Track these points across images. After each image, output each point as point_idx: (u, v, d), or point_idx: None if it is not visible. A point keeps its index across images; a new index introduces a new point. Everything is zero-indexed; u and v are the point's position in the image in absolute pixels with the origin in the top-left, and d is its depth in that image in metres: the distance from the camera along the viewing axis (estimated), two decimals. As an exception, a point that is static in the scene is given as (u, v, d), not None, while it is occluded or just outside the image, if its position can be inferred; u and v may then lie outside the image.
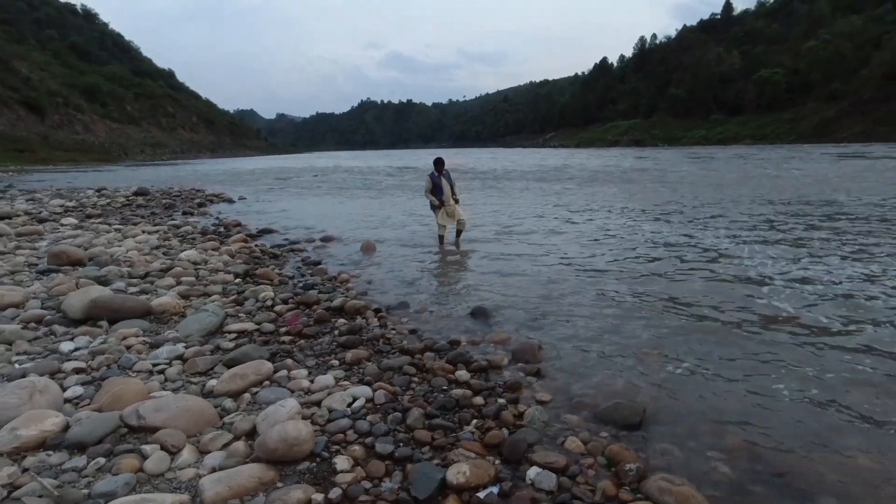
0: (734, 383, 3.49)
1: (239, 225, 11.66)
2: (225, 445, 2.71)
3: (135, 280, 5.93)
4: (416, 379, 3.62)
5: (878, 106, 74.12)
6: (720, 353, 3.99)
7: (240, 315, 4.99)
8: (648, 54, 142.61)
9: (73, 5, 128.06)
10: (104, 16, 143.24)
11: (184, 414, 2.87)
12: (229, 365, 3.72)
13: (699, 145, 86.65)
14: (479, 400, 3.28)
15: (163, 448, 2.61)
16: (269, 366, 3.60)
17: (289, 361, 3.81)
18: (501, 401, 3.27)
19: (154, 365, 3.69)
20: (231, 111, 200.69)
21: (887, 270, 6.25)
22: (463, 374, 3.63)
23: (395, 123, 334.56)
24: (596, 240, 8.78)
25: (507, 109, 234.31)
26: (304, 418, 2.95)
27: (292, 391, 3.37)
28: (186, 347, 4.03)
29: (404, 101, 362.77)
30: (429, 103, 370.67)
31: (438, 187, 8.55)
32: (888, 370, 3.59)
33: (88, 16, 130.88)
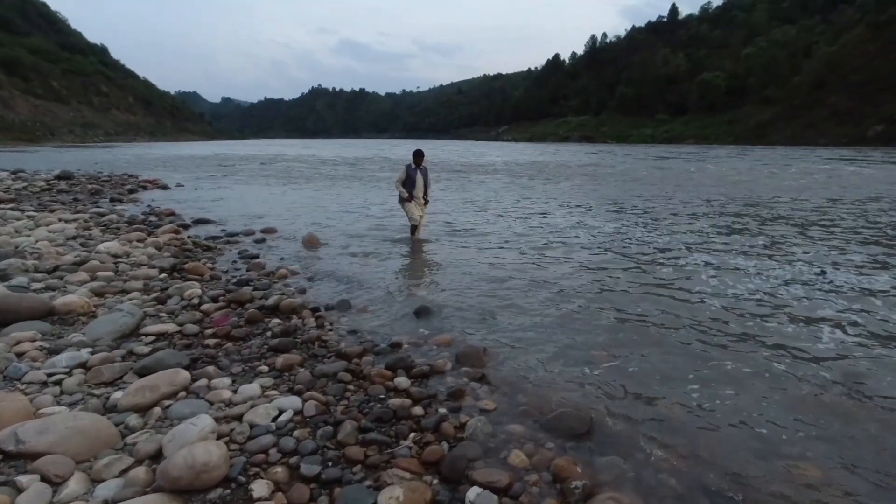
0: (682, 388, 3.42)
1: (172, 214, 10.90)
2: (123, 472, 2.35)
3: (40, 275, 5.30)
4: (351, 387, 3.34)
5: (808, 112, 79.35)
6: (668, 357, 3.94)
7: (161, 315, 4.53)
8: (599, 53, 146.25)
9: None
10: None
11: (75, 435, 2.47)
12: (141, 373, 3.32)
13: (646, 143, 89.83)
14: (418, 410, 3.05)
15: (43, 478, 2.22)
16: (185, 375, 3.22)
17: (210, 369, 3.44)
18: (443, 410, 3.06)
19: (49, 375, 3.23)
20: (172, 93, 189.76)
21: (838, 275, 6.51)
22: (402, 380, 3.39)
23: (347, 112, 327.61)
24: (549, 238, 8.68)
25: (461, 102, 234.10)
26: (220, 437, 2.63)
27: (211, 403, 3.03)
28: (92, 353, 3.57)
29: (357, 89, 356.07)
30: (382, 93, 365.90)
31: (412, 180, 8.08)
32: (834, 378, 3.61)
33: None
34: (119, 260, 6.19)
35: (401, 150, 51.43)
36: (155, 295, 5.04)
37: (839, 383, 3.50)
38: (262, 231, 9.11)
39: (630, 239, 8.51)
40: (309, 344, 4.07)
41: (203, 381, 3.27)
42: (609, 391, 3.37)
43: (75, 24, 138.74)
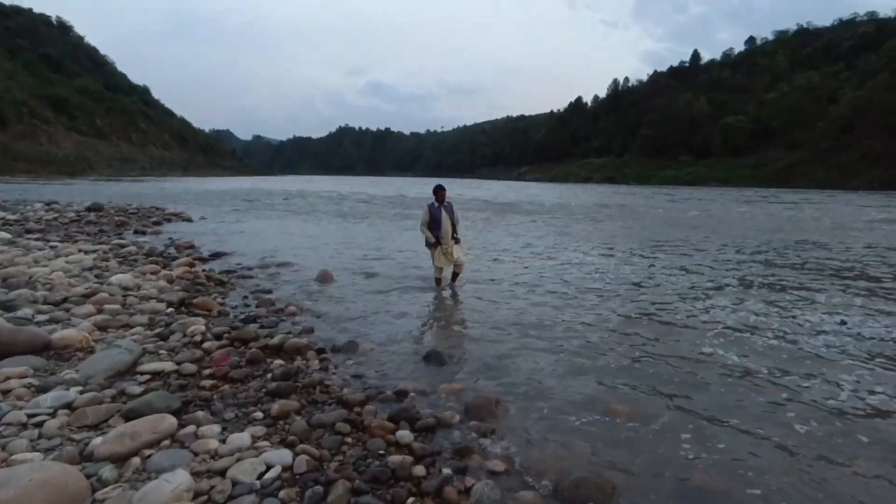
0: (713, 450, 3.06)
1: (191, 247, 10.95)
2: (86, 534, 2.11)
3: (47, 307, 5.22)
4: (349, 440, 3.07)
5: (834, 155, 78.24)
6: (696, 411, 3.58)
7: (160, 352, 4.36)
8: (621, 96, 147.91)
9: (48, 17, 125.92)
10: (80, 29, 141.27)
11: (39, 489, 2.24)
12: (128, 417, 3.12)
13: (669, 185, 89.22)
14: (419, 470, 2.76)
15: (-5, 541, 2.00)
16: (171, 421, 2.99)
17: (200, 414, 3.21)
18: (447, 471, 2.76)
19: (31, 416, 3.04)
20: (206, 130, 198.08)
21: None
22: (405, 434, 3.10)
23: (372, 150, 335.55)
24: (571, 283, 8.23)
25: (484, 142, 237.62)
26: (197, 495, 2.38)
27: (196, 454, 2.79)
28: (81, 392, 3.39)
29: (383, 128, 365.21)
30: (407, 132, 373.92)
31: (437, 221, 7.19)
32: (868, 443, 3.21)
33: (63, 27, 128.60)
34: (129, 293, 6.10)
35: (424, 188, 52.00)
36: (158, 330, 4.89)
37: (871, 446, 3.08)
38: (278, 265, 9.03)
39: (655, 284, 8.13)
40: (310, 388, 3.83)
41: (191, 428, 3.03)
42: (633, 454, 3.02)
43: (121, 66, 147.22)
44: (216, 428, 3.08)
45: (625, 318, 6.10)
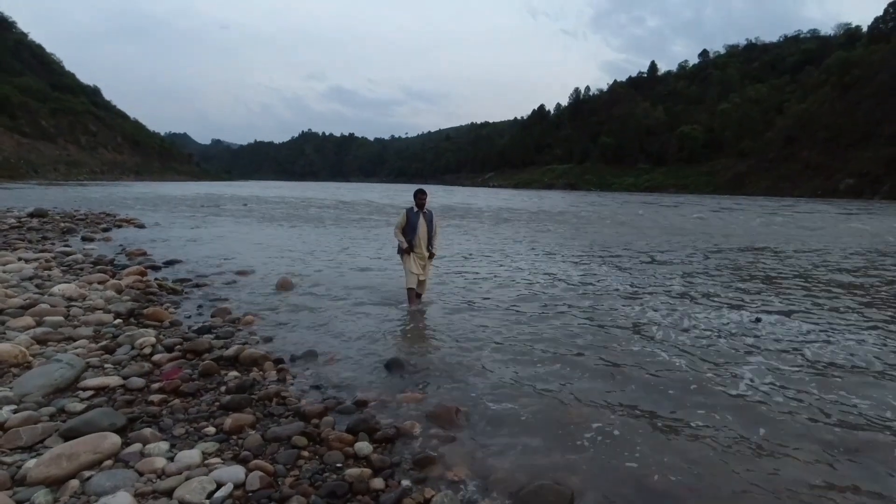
0: (669, 453, 3.12)
1: (143, 254, 10.49)
2: (14, 567, 1.96)
3: (-21, 320, 4.88)
4: (305, 453, 2.98)
5: (780, 165, 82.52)
6: (653, 415, 3.65)
7: (105, 366, 4.14)
8: (582, 104, 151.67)
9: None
10: (23, 25, 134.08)
11: (-38, 519, 2.08)
12: (67, 436, 2.94)
13: (628, 192, 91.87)
14: (378, 482, 2.70)
15: None
16: (114, 440, 2.83)
17: (147, 432, 3.05)
18: (406, 483, 2.71)
19: (-44, 439, 2.82)
20: (162, 133, 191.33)
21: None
22: (364, 446, 3.04)
23: (335, 156, 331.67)
24: (533, 289, 8.30)
25: (449, 148, 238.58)
26: (141, 518, 2.25)
27: (141, 474, 2.65)
28: (15, 411, 3.18)
29: (346, 134, 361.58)
30: (370, 138, 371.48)
31: (413, 226, 6.69)
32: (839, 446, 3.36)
33: (4, 23, 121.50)
34: (73, 304, 5.78)
35: (389, 194, 51.64)
36: (104, 343, 4.64)
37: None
38: (235, 273, 8.75)
39: (614, 290, 8.30)
40: (266, 401, 3.71)
41: (136, 447, 2.89)
42: (591, 458, 3.05)
43: (69, 65, 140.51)
44: (164, 445, 2.94)
45: (583, 326, 6.17)
